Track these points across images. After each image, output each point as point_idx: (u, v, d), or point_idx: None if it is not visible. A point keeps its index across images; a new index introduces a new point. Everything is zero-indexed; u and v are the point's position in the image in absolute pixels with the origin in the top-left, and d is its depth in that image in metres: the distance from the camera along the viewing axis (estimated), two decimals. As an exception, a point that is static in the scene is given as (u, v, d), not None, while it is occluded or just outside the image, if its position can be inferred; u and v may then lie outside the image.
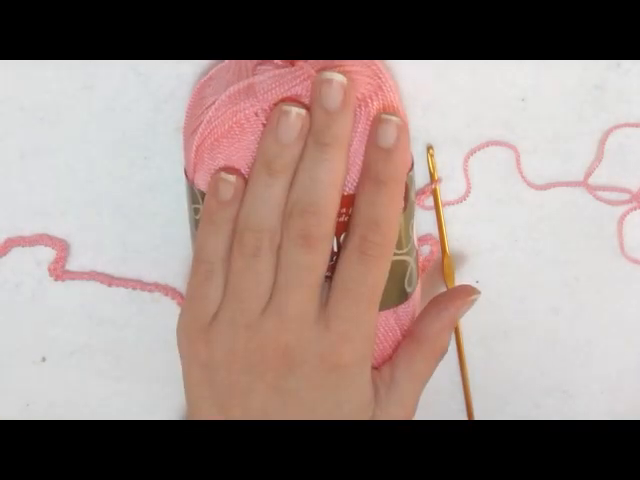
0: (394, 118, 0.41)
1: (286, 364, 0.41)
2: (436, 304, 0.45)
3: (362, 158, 0.42)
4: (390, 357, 0.47)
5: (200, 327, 0.42)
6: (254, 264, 0.41)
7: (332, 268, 0.43)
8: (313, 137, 0.40)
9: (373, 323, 0.42)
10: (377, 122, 0.41)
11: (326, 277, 0.43)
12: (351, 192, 0.43)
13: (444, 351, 0.45)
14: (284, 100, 0.41)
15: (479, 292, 0.45)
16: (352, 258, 0.41)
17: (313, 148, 0.40)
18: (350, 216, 0.42)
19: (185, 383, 0.43)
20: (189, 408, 0.43)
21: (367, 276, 0.41)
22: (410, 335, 0.45)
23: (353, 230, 0.41)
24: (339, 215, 0.42)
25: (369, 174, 0.41)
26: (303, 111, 0.40)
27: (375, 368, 0.45)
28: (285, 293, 0.41)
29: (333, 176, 0.40)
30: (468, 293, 0.45)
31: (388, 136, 0.41)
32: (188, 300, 0.43)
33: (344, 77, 0.40)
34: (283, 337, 0.41)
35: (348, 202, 0.42)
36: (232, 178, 0.41)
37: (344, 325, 0.41)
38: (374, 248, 0.41)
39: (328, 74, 0.40)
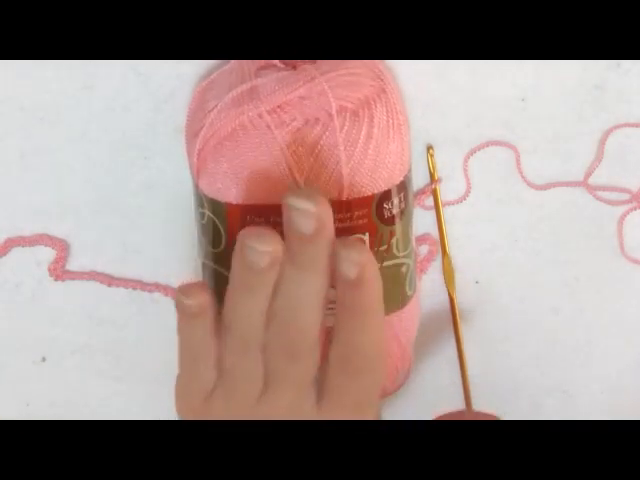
0: (355, 248, 0.37)
1: None
2: None
3: (367, 161, 0.42)
4: (395, 364, 0.47)
5: (197, 401, 0.41)
6: (243, 362, 0.39)
7: None
8: (290, 259, 0.38)
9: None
10: (337, 253, 0.37)
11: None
12: (356, 196, 0.42)
13: None
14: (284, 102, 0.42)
15: None
16: (338, 375, 0.39)
17: (290, 268, 0.38)
18: (332, 339, 0.39)
19: None
20: None
21: (356, 389, 0.39)
22: None
23: (336, 353, 0.39)
24: (342, 220, 0.42)
25: (342, 304, 0.38)
26: (269, 247, 0.37)
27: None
28: (276, 392, 0.39)
29: (312, 298, 0.38)
30: None
31: (351, 268, 0.37)
32: (185, 371, 0.42)
33: (314, 203, 0.36)
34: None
35: (352, 206, 0.43)
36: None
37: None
38: (359, 369, 0.39)
39: (296, 202, 0.37)
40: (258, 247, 0.37)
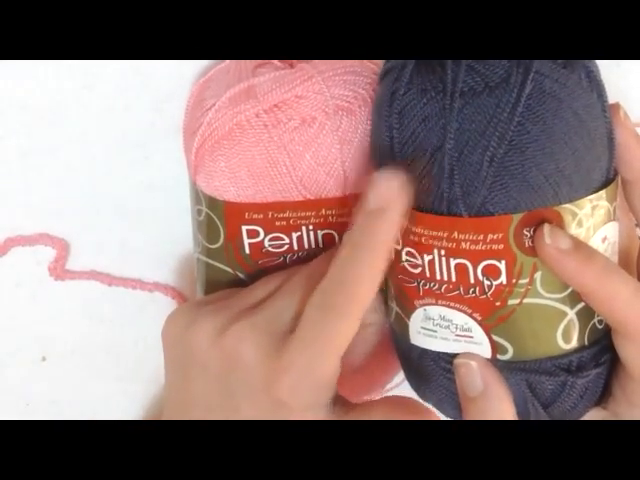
0: (386, 177, 0.38)
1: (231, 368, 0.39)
2: None
3: (363, 159, 0.42)
4: (395, 359, 0.47)
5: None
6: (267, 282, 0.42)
7: None
8: None
9: (330, 372, 0.39)
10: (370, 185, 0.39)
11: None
12: (353, 192, 0.42)
13: None
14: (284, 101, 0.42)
15: None
16: (312, 311, 0.38)
17: None
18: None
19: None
20: None
21: (327, 327, 0.38)
22: None
23: (320, 285, 0.39)
24: (341, 216, 0.43)
25: (349, 234, 0.39)
26: None
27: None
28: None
29: None
30: None
31: (375, 199, 0.38)
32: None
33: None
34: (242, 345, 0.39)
35: (350, 202, 0.42)
36: None
37: (294, 364, 0.38)
38: (336, 307, 0.38)
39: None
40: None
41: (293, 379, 0.38)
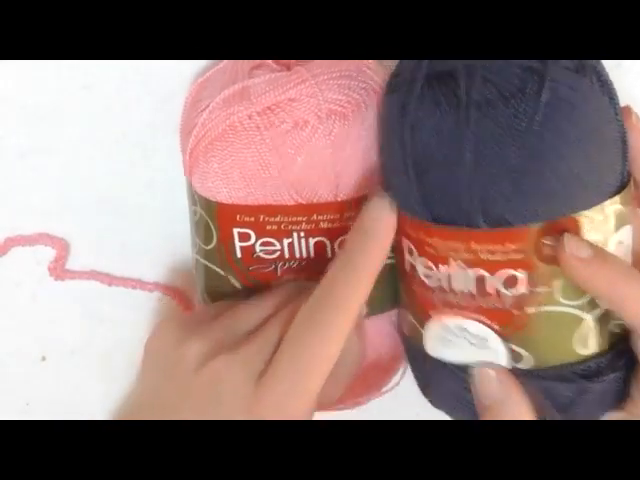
0: (379, 198, 0.41)
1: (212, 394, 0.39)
2: None
3: (356, 164, 0.42)
4: (389, 364, 0.46)
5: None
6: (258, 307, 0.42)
7: None
8: None
9: (312, 395, 0.39)
10: None
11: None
12: (345, 198, 0.42)
13: None
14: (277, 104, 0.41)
15: None
16: (305, 324, 0.39)
17: None
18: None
19: None
20: None
21: (316, 346, 0.39)
22: None
23: (305, 304, 0.40)
24: (332, 221, 0.42)
25: (343, 251, 0.41)
26: None
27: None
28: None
29: None
30: None
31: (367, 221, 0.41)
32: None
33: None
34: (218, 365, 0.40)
35: (342, 208, 0.42)
36: None
37: (268, 404, 0.39)
38: (327, 313, 0.39)
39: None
40: None
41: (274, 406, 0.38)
